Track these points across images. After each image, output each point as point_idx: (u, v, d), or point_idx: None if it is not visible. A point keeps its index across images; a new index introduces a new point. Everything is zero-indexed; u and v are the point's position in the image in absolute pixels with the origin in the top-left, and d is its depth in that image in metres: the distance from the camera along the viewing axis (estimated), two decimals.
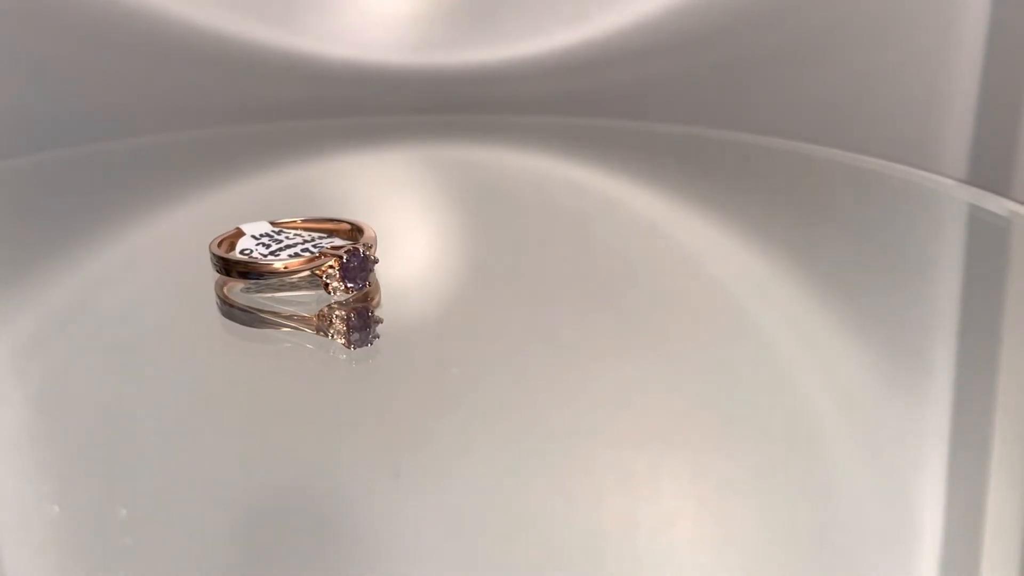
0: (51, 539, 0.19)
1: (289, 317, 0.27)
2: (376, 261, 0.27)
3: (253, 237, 0.29)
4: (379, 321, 0.26)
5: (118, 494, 0.20)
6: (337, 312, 0.27)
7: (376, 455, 0.22)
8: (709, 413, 0.23)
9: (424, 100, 0.54)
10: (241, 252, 0.29)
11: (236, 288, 0.28)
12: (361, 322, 0.26)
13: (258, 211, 0.39)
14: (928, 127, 0.55)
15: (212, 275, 0.28)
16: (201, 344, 0.27)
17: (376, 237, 0.29)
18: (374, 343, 0.25)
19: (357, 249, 0.27)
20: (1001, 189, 0.51)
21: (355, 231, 0.30)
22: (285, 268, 0.27)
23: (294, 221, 0.31)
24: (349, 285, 0.27)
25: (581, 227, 0.37)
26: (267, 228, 0.30)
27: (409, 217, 0.39)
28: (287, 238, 0.29)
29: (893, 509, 0.20)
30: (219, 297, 0.28)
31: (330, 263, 0.26)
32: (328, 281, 0.26)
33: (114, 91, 0.52)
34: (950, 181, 0.42)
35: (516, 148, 0.49)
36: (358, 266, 0.26)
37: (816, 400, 0.24)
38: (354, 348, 0.25)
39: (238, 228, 0.30)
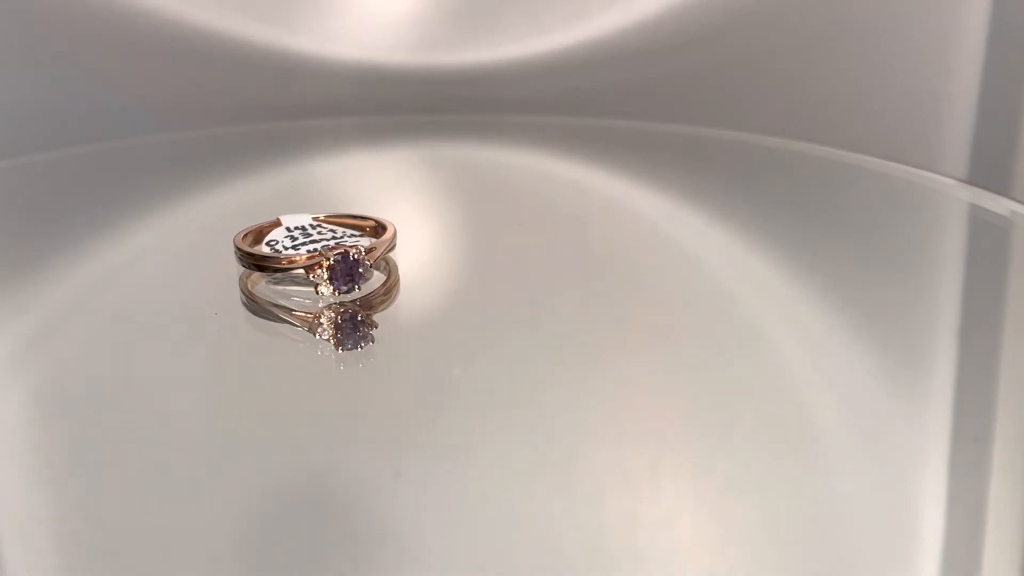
0: (48, 530, 0.19)
1: (291, 313, 0.27)
2: (370, 266, 0.26)
3: (287, 229, 0.29)
4: (373, 325, 0.26)
5: (113, 487, 0.20)
6: (326, 313, 0.26)
7: (370, 454, 0.22)
8: (710, 413, 0.23)
9: (425, 100, 0.54)
10: (268, 243, 0.28)
11: (262, 281, 0.28)
12: (350, 325, 0.26)
13: (259, 211, 0.39)
14: (928, 127, 0.55)
15: (221, 269, 0.28)
16: (207, 335, 0.27)
17: (390, 240, 0.28)
18: (364, 347, 0.25)
19: (347, 252, 0.26)
20: (1001, 189, 0.51)
21: (379, 229, 0.29)
22: (282, 264, 0.27)
23: (327, 216, 0.30)
24: (335, 288, 0.26)
25: (581, 226, 0.37)
26: (305, 221, 0.30)
27: (409, 217, 0.39)
28: (318, 233, 0.29)
29: (893, 509, 0.20)
30: (241, 288, 0.28)
31: (318, 263, 0.26)
32: (317, 282, 0.26)
33: (115, 91, 0.52)
34: (950, 180, 0.42)
35: (516, 148, 0.49)
36: (344, 270, 0.26)
37: (816, 400, 0.24)
38: (341, 351, 0.25)
39: (278, 218, 0.30)
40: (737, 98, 0.55)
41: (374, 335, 0.25)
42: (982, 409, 0.24)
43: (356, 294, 0.27)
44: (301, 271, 0.27)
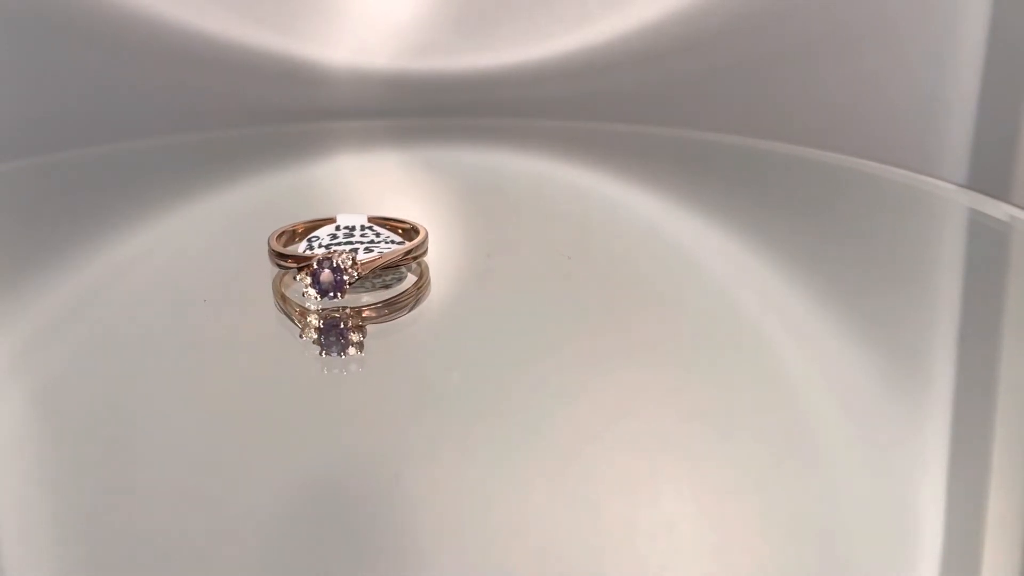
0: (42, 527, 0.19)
1: (295, 311, 0.27)
2: (355, 277, 0.26)
3: (336, 228, 0.29)
4: (360, 333, 0.26)
5: (116, 484, 0.21)
6: (311, 316, 0.26)
7: (371, 458, 0.22)
8: (709, 416, 0.23)
9: (426, 104, 0.55)
10: (309, 239, 0.29)
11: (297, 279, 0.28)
12: (333, 332, 0.26)
13: (261, 212, 0.40)
14: (928, 131, 0.55)
15: (225, 269, 0.28)
16: (226, 329, 0.27)
17: (402, 252, 0.28)
18: (346, 355, 0.25)
19: (329, 259, 0.26)
20: (1001, 193, 0.51)
21: (411, 234, 0.29)
22: (287, 264, 0.27)
23: (379, 217, 0.30)
24: (319, 293, 0.26)
25: (581, 230, 0.37)
26: (359, 221, 0.30)
27: (410, 220, 0.39)
28: (361, 235, 0.29)
29: (894, 512, 0.20)
30: (273, 283, 0.28)
31: (307, 267, 0.26)
32: (303, 285, 0.26)
33: (120, 94, 0.53)
34: (950, 185, 0.42)
35: (517, 151, 0.49)
36: (324, 276, 0.26)
37: (816, 404, 0.24)
38: (324, 355, 0.25)
39: (334, 216, 0.30)
40: (736, 102, 0.55)
41: (362, 343, 0.25)
42: (981, 412, 0.24)
43: (340, 301, 0.26)
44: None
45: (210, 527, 0.19)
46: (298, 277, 0.26)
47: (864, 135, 0.55)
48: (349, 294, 0.26)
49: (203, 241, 0.36)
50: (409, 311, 0.27)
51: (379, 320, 0.27)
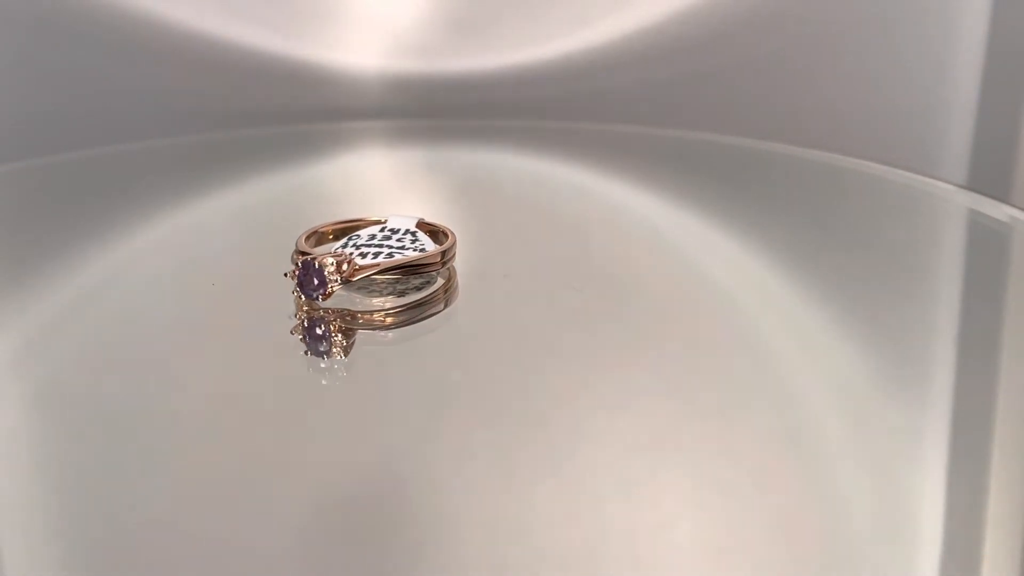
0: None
1: (300, 308, 0.27)
2: (338, 281, 0.26)
3: (380, 229, 0.29)
4: (340, 336, 0.25)
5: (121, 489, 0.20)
6: (299, 315, 0.26)
7: (370, 460, 0.22)
8: (711, 418, 0.23)
9: (427, 105, 0.55)
10: (348, 238, 0.29)
11: None
12: (313, 333, 0.26)
13: (260, 213, 0.39)
14: (928, 132, 0.55)
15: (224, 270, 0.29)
16: (252, 325, 0.28)
17: (439, 254, 0.27)
18: (328, 358, 0.25)
19: (312, 261, 0.26)
20: (1001, 194, 0.51)
21: (440, 236, 0.29)
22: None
23: (426, 222, 0.30)
24: (304, 294, 0.26)
25: (582, 231, 0.37)
26: (406, 225, 0.29)
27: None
28: (397, 240, 0.28)
29: (894, 513, 0.20)
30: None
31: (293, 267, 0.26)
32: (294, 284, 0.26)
33: (124, 95, 0.53)
34: (950, 186, 0.42)
35: (517, 152, 0.49)
36: (307, 278, 0.26)
37: (817, 405, 0.24)
38: (308, 355, 0.25)
39: (364, 217, 0.30)
40: (737, 103, 0.55)
41: (347, 347, 0.25)
42: (982, 413, 0.24)
43: (322, 303, 0.26)
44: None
45: (212, 526, 0.19)
46: (287, 275, 0.26)
47: (864, 136, 0.55)
48: (364, 297, 0.26)
49: (204, 243, 0.36)
50: (414, 322, 0.27)
51: (371, 327, 0.26)
